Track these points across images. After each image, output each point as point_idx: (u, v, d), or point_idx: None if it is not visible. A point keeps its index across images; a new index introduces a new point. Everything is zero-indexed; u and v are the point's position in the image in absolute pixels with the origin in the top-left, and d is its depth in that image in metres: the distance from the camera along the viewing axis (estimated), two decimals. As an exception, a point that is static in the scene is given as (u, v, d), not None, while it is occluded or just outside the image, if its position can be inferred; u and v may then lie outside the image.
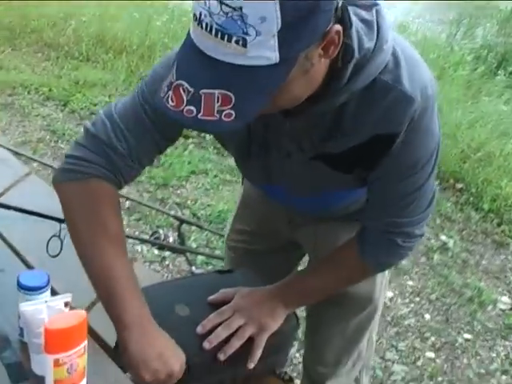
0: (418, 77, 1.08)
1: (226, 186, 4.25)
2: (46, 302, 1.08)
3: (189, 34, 0.93)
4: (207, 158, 4.61)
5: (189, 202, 3.95)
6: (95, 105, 5.28)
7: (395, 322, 3.14)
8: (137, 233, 3.53)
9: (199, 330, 1.34)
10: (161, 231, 2.91)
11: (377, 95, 1.06)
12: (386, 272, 1.65)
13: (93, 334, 1.71)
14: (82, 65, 6.29)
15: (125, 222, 3.56)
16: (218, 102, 0.87)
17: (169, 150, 4.17)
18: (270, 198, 1.56)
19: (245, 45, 0.85)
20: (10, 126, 4.77)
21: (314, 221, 1.61)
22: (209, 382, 1.37)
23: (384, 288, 1.68)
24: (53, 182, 1.35)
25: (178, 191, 4.08)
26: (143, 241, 3.05)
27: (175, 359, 1.21)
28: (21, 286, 1.17)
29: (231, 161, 4.58)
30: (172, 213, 3.44)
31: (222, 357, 1.31)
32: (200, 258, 3.33)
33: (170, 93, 0.90)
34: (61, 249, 1.72)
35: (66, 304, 1.08)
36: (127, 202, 3.63)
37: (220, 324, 1.35)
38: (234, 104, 0.87)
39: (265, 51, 0.86)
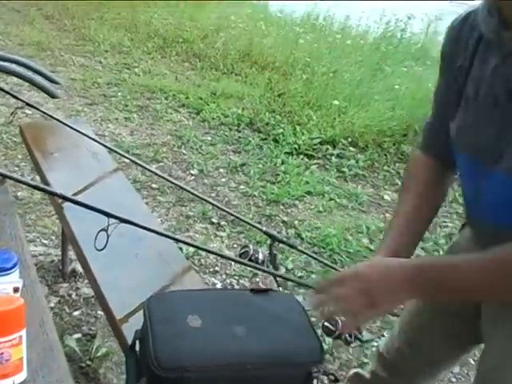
0: None
1: (340, 211, 4.10)
2: (-8, 283, 1.02)
3: None
4: (327, 180, 4.48)
5: (296, 222, 3.84)
6: (226, 116, 5.32)
7: None
8: (235, 245, 3.47)
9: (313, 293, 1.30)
10: (251, 247, 2.81)
11: None
12: None
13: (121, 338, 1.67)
14: (224, 77, 6.40)
15: (225, 234, 3.53)
16: None
17: (289, 167, 4.10)
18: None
19: None
20: (140, 128, 4.90)
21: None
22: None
23: None
24: None
25: (289, 210, 3.98)
26: (224, 257, 2.98)
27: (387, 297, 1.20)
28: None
29: (351, 186, 4.43)
30: (272, 230, 3.34)
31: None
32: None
33: None
34: (106, 243, 1.68)
35: (16, 289, 1.02)
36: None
37: None
38: None
39: None
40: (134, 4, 8.59)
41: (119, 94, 5.57)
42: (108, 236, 1.74)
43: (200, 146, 4.71)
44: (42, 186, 2.19)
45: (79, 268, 3.05)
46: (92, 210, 1.82)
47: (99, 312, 2.83)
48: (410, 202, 1.43)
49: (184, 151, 4.58)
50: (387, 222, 3.99)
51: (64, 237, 2.96)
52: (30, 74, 2.79)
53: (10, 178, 1.82)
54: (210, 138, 4.89)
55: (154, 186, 3.94)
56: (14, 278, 1.12)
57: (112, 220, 1.76)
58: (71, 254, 3.12)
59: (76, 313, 2.82)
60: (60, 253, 3.11)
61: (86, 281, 2.99)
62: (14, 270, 1.14)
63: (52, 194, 1.96)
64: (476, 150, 1.23)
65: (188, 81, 6.18)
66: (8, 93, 2.82)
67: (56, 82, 2.78)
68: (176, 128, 4.98)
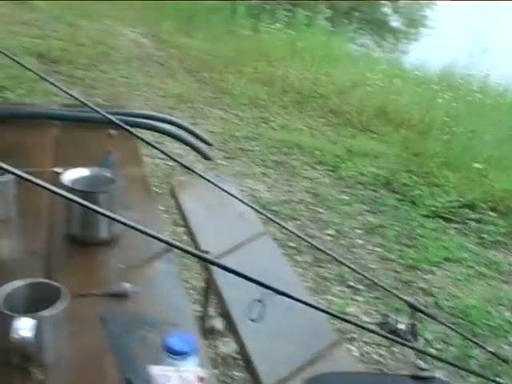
0: None
1: (480, 281, 3.94)
2: (176, 370, 1.03)
3: None
4: (466, 246, 4.34)
5: (434, 289, 3.72)
6: (362, 175, 5.29)
7: None
8: (372, 311, 3.40)
9: None
10: (391, 317, 2.76)
11: None
12: None
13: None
14: (360, 134, 6.38)
15: (363, 298, 3.47)
16: None
17: (426, 231, 4.01)
18: None
19: None
20: (277, 184, 4.95)
21: None
22: None
23: None
24: None
25: (426, 276, 3.88)
26: (367, 330, 2.92)
27: None
28: (165, 347, 1.14)
29: (491, 253, 4.27)
30: (411, 298, 3.26)
31: None
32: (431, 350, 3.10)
33: None
34: (261, 315, 1.69)
35: (201, 379, 1.02)
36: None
37: None
38: None
39: None
40: (271, 59, 8.79)
41: (256, 148, 5.66)
42: (262, 306, 1.75)
43: (336, 204, 4.69)
44: (195, 251, 2.24)
45: (218, 325, 3.09)
46: (246, 279, 1.84)
47: (235, 373, 2.84)
48: None
49: (320, 210, 4.58)
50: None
51: (207, 294, 3.01)
52: (183, 133, 2.89)
53: (162, 241, 1.86)
54: (346, 197, 4.87)
55: (291, 244, 3.95)
56: (193, 365, 1.13)
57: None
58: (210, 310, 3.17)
59: (213, 371, 2.84)
60: (199, 308, 3.16)
61: (225, 339, 3.02)
62: (193, 355, 1.15)
63: (206, 261, 1.99)
64: None
65: (324, 137, 6.21)
66: (159, 150, 2.93)
67: (209, 144, 2.87)
68: (312, 185, 4.99)
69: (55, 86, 1.88)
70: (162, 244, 1.80)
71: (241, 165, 5.23)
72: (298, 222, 4.32)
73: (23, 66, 2.04)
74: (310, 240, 3.20)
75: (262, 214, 2.76)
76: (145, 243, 1.77)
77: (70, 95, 1.90)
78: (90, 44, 8.86)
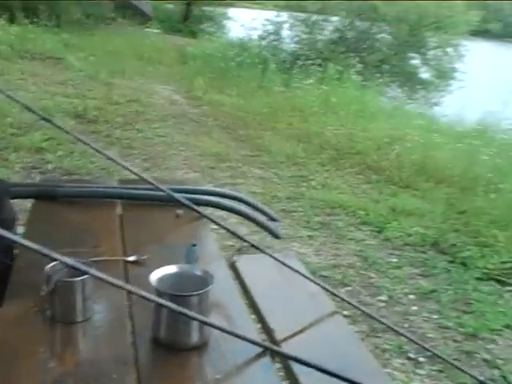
0: None
1: (548, 349, 3.78)
2: None
3: None
4: (525, 311, 4.18)
5: (499, 361, 3.56)
6: (409, 235, 5.17)
7: None
8: (437, 386, 3.26)
9: None
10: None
11: None
12: None
13: None
14: (401, 191, 6.28)
15: (425, 372, 3.33)
16: None
17: (481, 295, 3.84)
18: None
19: None
20: (324, 247, 4.84)
21: None
22: None
23: None
24: None
25: (488, 346, 3.71)
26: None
27: None
28: None
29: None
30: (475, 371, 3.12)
31: None
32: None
33: None
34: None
35: None
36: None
37: None
38: None
39: None
40: (305, 114, 8.79)
41: (299, 208, 5.58)
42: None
43: (386, 268, 4.57)
44: (268, 345, 2.13)
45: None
46: (334, 376, 1.73)
47: None
48: None
49: (371, 274, 4.45)
50: None
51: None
52: (250, 211, 2.81)
53: (259, 345, 1.75)
54: (395, 260, 4.74)
55: (345, 312, 3.82)
56: None
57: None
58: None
59: None
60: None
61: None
62: None
63: (284, 356, 1.88)
64: None
65: (365, 195, 6.12)
66: (227, 229, 2.86)
67: (275, 220, 2.79)
68: (360, 248, 4.87)
69: (104, 154, 1.81)
70: (256, 347, 1.69)
71: (285, 227, 5.12)
72: (350, 288, 4.20)
73: (64, 130, 1.96)
74: (365, 309, 3.09)
75: (316, 283, 2.66)
76: (237, 346, 1.65)
77: (125, 167, 1.82)
78: (125, 102, 8.94)
